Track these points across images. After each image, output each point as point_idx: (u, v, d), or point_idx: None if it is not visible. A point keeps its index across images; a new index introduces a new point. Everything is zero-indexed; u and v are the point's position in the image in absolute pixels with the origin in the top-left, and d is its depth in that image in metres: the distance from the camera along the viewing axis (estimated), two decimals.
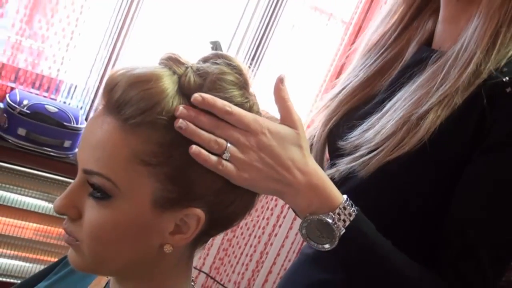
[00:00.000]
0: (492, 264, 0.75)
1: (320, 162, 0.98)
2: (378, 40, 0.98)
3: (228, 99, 0.62)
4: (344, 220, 0.69)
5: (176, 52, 0.65)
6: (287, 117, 0.66)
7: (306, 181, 0.67)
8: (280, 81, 0.65)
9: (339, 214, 0.68)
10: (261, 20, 2.51)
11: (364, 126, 0.85)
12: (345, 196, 0.71)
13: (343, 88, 0.98)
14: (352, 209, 0.70)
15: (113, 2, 2.22)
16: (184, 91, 0.62)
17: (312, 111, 1.05)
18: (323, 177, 0.69)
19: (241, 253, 2.91)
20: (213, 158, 0.60)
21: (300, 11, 2.63)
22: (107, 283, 0.77)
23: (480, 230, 0.75)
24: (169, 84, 0.61)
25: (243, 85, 0.65)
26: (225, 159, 0.61)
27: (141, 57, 2.36)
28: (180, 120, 0.58)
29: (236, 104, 0.63)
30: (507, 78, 0.73)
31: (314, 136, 1.00)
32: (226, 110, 0.60)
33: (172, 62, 0.64)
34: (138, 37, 2.31)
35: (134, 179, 0.61)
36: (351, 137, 0.86)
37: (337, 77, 2.79)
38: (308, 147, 0.68)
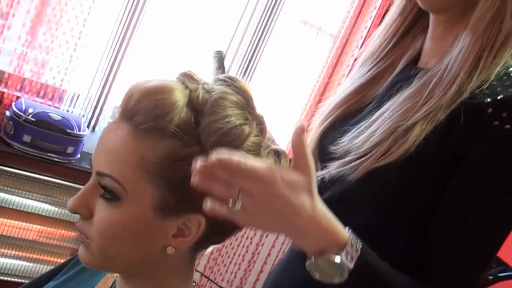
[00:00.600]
0: (474, 269, 0.78)
1: (315, 162, 0.96)
2: (374, 51, 0.99)
3: (228, 118, 0.63)
4: (352, 257, 0.69)
5: (192, 70, 0.67)
6: (302, 164, 0.64)
7: (314, 224, 0.66)
8: (301, 129, 0.63)
9: (347, 251, 0.68)
10: (254, 33, 2.52)
11: (354, 132, 0.87)
12: (349, 232, 0.70)
13: (339, 96, 1.00)
14: (358, 244, 0.70)
15: (114, 16, 2.23)
16: (193, 105, 0.63)
17: (314, 116, 1.06)
18: (330, 218, 0.69)
19: (234, 253, 2.90)
20: (224, 209, 0.60)
21: (291, 25, 2.65)
22: (114, 282, 0.77)
23: (462, 239, 0.77)
24: (180, 97, 0.63)
25: (245, 106, 0.66)
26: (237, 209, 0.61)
27: (141, 67, 2.36)
28: (197, 177, 0.58)
29: (235, 127, 0.63)
30: (489, 99, 0.75)
31: (311, 134, 1.02)
32: (240, 168, 0.58)
33: (186, 78, 0.66)
34: (138, 49, 2.31)
35: (139, 184, 0.62)
36: (341, 142, 0.87)
37: (325, 87, 2.81)
38: (317, 191, 0.67)
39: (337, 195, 0.88)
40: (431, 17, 0.91)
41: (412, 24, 0.96)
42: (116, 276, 0.77)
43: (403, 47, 0.97)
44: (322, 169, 0.92)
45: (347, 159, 0.84)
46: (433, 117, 0.78)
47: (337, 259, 0.67)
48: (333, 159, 0.88)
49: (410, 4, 0.94)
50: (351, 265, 0.68)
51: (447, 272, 0.78)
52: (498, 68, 0.79)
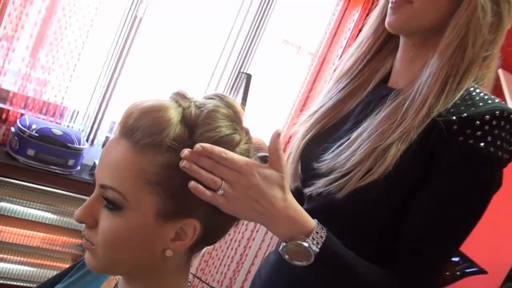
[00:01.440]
0: (435, 263, 0.81)
1: (295, 171, 1.01)
2: (349, 68, 1.00)
3: (219, 128, 0.64)
4: (317, 242, 0.73)
5: (184, 90, 0.68)
6: (276, 162, 0.68)
7: (285, 214, 0.70)
8: (277, 135, 0.68)
9: (313, 238, 0.72)
10: (240, 51, 2.54)
11: (336, 150, 0.88)
12: (315, 221, 0.74)
13: (319, 108, 1.01)
14: (323, 232, 0.74)
15: (110, 40, 2.25)
16: (186, 121, 0.64)
17: (295, 125, 1.06)
18: (299, 209, 0.72)
19: (224, 256, 2.90)
20: (208, 192, 0.64)
21: (273, 44, 2.66)
22: (116, 284, 0.77)
23: (426, 237, 0.80)
24: (174, 114, 0.63)
25: (234, 118, 0.66)
26: (219, 194, 0.65)
27: (135, 86, 2.36)
28: (185, 162, 0.61)
29: (225, 135, 0.65)
30: (454, 117, 0.78)
31: (292, 145, 1.03)
32: (221, 156, 0.63)
33: (179, 97, 0.66)
34: (132, 69, 2.32)
35: (140, 194, 0.63)
36: (325, 160, 0.88)
37: (305, 102, 2.82)
38: (288, 186, 0.71)
39: (321, 208, 0.90)
40: (401, 40, 0.93)
41: (384, 43, 0.97)
42: (119, 278, 0.78)
43: (375, 65, 0.98)
44: (306, 182, 0.94)
45: (332, 177, 0.85)
46: (407, 137, 0.80)
47: (305, 243, 0.72)
48: (318, 175, 0.89)
49: (382, 25, 0.94)
50: (316, 249, 0.72)
51: (409, 264, 0.81)
52: (462, 92, 0.81)
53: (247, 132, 0.69)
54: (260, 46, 2.57)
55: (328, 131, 0.97)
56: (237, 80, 2.57)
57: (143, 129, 0.62)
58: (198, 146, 0.62)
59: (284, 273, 0.98)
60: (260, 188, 0.67)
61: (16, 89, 2.12)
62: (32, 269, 2.15)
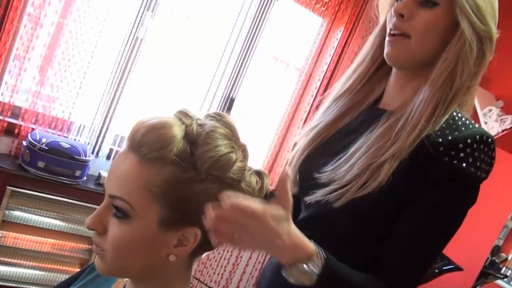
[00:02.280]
0: (422, 268, 0.86)
1: (294, 178, 1.03)
2: (347, 88, 1.02)
3: (218, 147, 0.65)
4: (317, 265, 0.75)
5: (187, 108, 0.69)
6: (284, 200, 0.69)
7: (290, 242, 0.72)
8: (286, 175, 0.69)
9: (313, 261, 0.75)
10: (233, 68, 2.57)
11: (335, 163, 0.91)
12: (315, 245, 0.77)
13: (318, 123, 1.04)
14: (322, 253, 0.76)
15: (113, 59, 2.27)
16: (188, 137, 0.65)
17: (296, 136, 1.09)
18: (300, 236, 0.75)
19: (220, 257, 2.91)
20: (226, 241, 0.68)
21: (263, 61, 2.69)
22: (124, 286, 0.78)
23: (414, 245, 0.85)
24: (178, 131, 0.64)
25: (231, 137, 0.68)
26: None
27: (136, 102, 2.38)
28: (211, 223, 0.63)
29: (224, 154, 0.65)
30: (440, 140, 0.83)
31: (293, 156, 1.05)
32: (245, 211, 0.64)
33: (182, 115, 0.67)
34: (134, 86, 2.34)
35: (145, 204, 0.63)
36: (325, 172, 0.91)
37: (294, 114, 2.87)
38: (291, 218, 0.72)
39: (319, 215, 0.94)
40: (393, 69, 0.97)
41: (380, 66, 0.99)
42: (126, 281, 0.78)
43: (371, 86, 1.01)
44: (306, 190, 0.96)
45: (332, 187, 0.88)
46: (399, 156, 0.84)
47: (306, 267, 0.75)
48: (318, 185, 0.91)
49: (378, 50, 0.98)
50: (317, 271, 0.75)
51: (397, 269, 0.86)
52: (446, 118, 0.86)
53: (243, 149, 0.70)
54: (252, 63, 2.60)
55: (327, 145, 1.00)
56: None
57: (149, 144, 0.63)
58: (226, 202, 0.63)
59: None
60: (272, 229, 0.69)
61: (27, 105, 2.14)
62: (43, 273, 2.16)
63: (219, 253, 2.91)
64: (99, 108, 2.31)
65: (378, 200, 0.85)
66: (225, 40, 2.58)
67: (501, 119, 2.45)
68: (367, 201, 0.85)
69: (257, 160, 2.90)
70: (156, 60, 2.41)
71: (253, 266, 3.06)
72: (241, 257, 2.99)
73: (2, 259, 2.07)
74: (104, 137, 2.35)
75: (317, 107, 2.85)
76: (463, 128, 0.85)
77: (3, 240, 2.04)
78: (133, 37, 2.27)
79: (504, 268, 2.35)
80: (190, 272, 0.74)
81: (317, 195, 0.91)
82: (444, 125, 0.86)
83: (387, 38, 0.92)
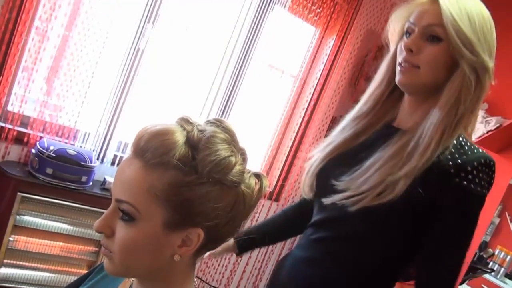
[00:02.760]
0: (449, 272, 0.96)
1: (311, 184, 1.11)
2: (364, 110, 1.11)
3: (218, 151, 0.66)
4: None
5: (188, 115, 0.70)
6: None
7: None
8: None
9: None
10: (231, 76, 2.60)
11: (352, 174, 0.99)
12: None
13: (336, 139, 1.12)
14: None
15: (116, 69, 2.30)
16: (190, 143, 0.66)
17: (314, 150, 1.17)
18: None
19: (221, 258, 2.93)
20: None
21: (260, 69, 2.74)
22: (131, 285, 0.79)
23: (443, 258, 0.95)
24: (180, 137, 0.65)
25: (231, 141, 0.69)
26: None
27: (139, 110, 2.41)
28: None
29: (223, 158, 0.66)
30: (450, 163, 0.93)
31: (310, 166, 1.13)
32: None
33: (183, 121, 0.68)
34: (136, 95, 2.38)
35: (150, 207, 0.64)
36: (342, 180, 1.00)
37: (289, 119, 2.94)
38: None
39: (333, 216, 1.02)
40: (406, 96, 1.06)
41: (393, 90, 1.08)
42: (133, 280, 0.78)
43: (385, 108, 1.09)
44: (322, 195, 1.05)
45: (348, 193, 0.96)
46: (412, 174, 0.93)
47: None
48: (334, 191, 1.00)
49: (392, 75, 1.06)
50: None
51: (435, 274, 0.96)
52: (453, 140, 0.96)
53: (242, 153, 0.70)
54: (249, 71, 2.65)
55: (343, 157, 1.08)
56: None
57: (153, 150, 0.63)
58: None
59: (312, 268, 1.08)
60: None
61: (35, 115, 2.17)
62: (53, 275, 2.18)
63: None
64: (103, 116, 2.34)
65: (390, 210, 0.94)
66: (223, 50, 2.62)
67: (486, 121, 2.53)
68: (380, 209, 0.94)
69: (255, 163, 2.95)
70: (157, 69, 2.44)
71: (253, 265, 3.11)
72: (241, 256, 2.98)
73: (15, 262, 2.09)
74: (108, 143, 2.38)
75: (311, 115, 2.92)
76: (469, 153, 0.95)
77: (15, 244, 2.06)
78: (135, 48, 2.31)
79: (491, 263, 2.41)
80: (194, 271, 0.75)
81: (334, 198, 0.98)
82: (453, 150, 0.95)
83: (398, 68, 1.01)
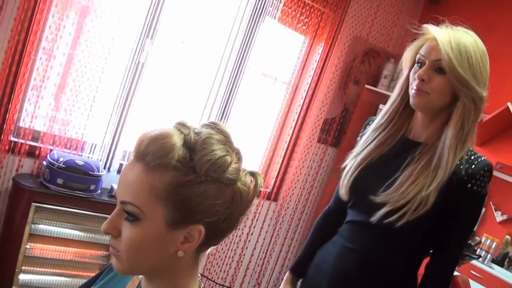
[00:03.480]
0: (457, 254, 1.20)
1: (347, 191, 1.28)
2: (383, 122, 1.28)
3: (214, 152, 0.67)
4: None
5: (184, 119, 0.72)
6: None
7: None
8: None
9: None
10: (227, 85, 2.67)
11: (387, 190, 1.17)
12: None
13: (363, 150, 1.29)
14: None
15: (118, 83, 2.36)
16: (187, 145, 0.67)
17: (346, 160, 1.33)
18: None
19: (225, 256, 3.00)
20: None
21: (254, 78, 2.80)
22: (139, 283, 0.80)
23: (455, 245, 1.19)
24: (177, 140, 0.66)
25: (226, 142, 0.70)
26: None
27: (141, 121, 2.45)
28: None
29: (219, 157, 0.67)
30: (463, 172, 1.14)
31: (346, 173, 1.29)
32: None
33: (180, 125, 0.70)
34: (138, 107, 2.45)
35: (152, 207, 0.66)
36: (381, 195, 1.17)
37: (284, 123, 3.00)
38: None
39: (381, 232, 1.21)
40: (419, 114, 1.24)
41: (406, 106, 1.25)
42: (141, 277, 0.79)
43: (401, 120, 1.27)
44: (359, 205, 1.26)
45: (388, 209, 1.14)
46: (438, 187, 1.13)
47: None
48: (373, 204, 1.18)
49: (405, 94, 1.24)
50: None
51: (449, 251, 1.19)
52: (463, 153, 1.15)
53: (237, 152, 0.72)
54: (244, 79, 2.71)
55: (374, 169, 1.25)
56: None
57: (153, 153, 0.65)
58: None
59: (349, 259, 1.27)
60: None
61: (45, 129, 2.23)
62: (68, 279, 2.23)
63: (223, 252, 2.98)
64: (108, 128, 2.41)
65: (423, 217, 1.14)
66: (218, 61, 2.67)
67: None
68: (418, 218, 1.14)
69: (253, 165, 3.00)
70: (157, 81, 2.49)
71: (256, 262, 3.16)
72: (244, 255, 3.07)
73: (32, 268, 2.13)
74: (114, 153, 2.43)
75: (303, 119, 2.99)
76: (475, 162, 1.16)
77: (31, 252, 2.11)
78: (136, 62, 2.37)
79: (478, 250, 2.50)
80: (198, 266, 0.76)
81: (380, 214, 1.17)
82: (464, 160, 1.16)
83: (412, 91, 1.18)
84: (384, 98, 3.13)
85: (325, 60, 2.95)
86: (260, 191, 2.90)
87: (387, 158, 1.24)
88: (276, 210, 3.15)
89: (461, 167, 1.14)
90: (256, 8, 2.61)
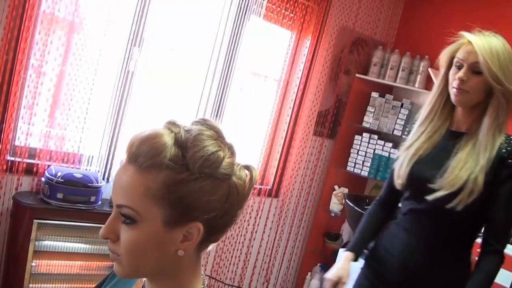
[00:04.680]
0: (506, 236, 1.35)
1: (404, 178, 1.42)
2: (426, 116, 1.44)
3: (206, 147, 0.67)
4: None
5: (174, 118, 0.71)
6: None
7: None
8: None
9: None
10: (217, 87, 2.67)
11: (445, 176, 1.33)
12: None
13: (413, 143, 1.43)
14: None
15: (110, 93, 2.36)
16: (178, 143, 0.67)
17: (398, 150, 1.49)
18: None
19: (232, 256, 3.01)
20: None
21: (244, 77, 2.79)
22: (143, 286, 0.79)
23: (503, 220, 1.34)
24: (168, 139, 0.66)
25: (217, 137, 0.70)
26: None
27: (135, 128, 2.42)
28: None
29: (212, 153, 0.67)
30: (504, 150, 1.32)
31: (400, 164, 1.44)
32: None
33: (170, 124, 0.69)
34: (131, 118, 2.45)
35: (148, 208, 0.65)
36: (438, 182, 1.33)
37: (278, 119, 3.00)
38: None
39: (436, 210, 1.37)
40: (459, 107, 1.40)
41: (446, 101, 1.42)
42: (144, 280, 0.78)
43: (444, 113, 1.42)
44: (417, 191, 1.40)
45: (447, 193, 1.30)
46: (484, 168, 1.30)
47: None
48: (431, 190, 1.33)
49: (445, 90, 1.40)
50: None
51: (498, 235, 1.35)
52: (502, 137, 1.33)
53: (230, 147, 0.71)
54: (235, 79, 2.71)
55: (428, 160, 1.41)
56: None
57: (145, 154, 0.65)
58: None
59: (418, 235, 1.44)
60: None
61: (41, 145, 2.22)
62: None
63: (229, 253, 2.99)
64: (103, 138, 2.40)
65: (477, 199, 1.30)
66: (207, 64, 2.68)
67: None
68: (473, 201, 1.30)
69: (251, 163, 3.00)
70: (148, 88, 2.50)
71: (263, 260, 3.17)
72: (250, 253, 3.08)
73: (40, 285, 2.12)
74: (111, 163, 2.43)
75: (297, 114, 3.00)
76: None
77: (37, 269, 2.10)
78: (125, 71, 2.37)
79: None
80: (200, 264, 0.76)
81: (436, 195, 1.33)
82: (505, 143, 1.34)
83: (454, 90, 1.36)
84: (375, 86, 3.17)
85: (313, 53, 2.97)
86: (261, 188, 2.94)
87: (438, 149, 1.40)
88: (278, 206, 3.16)
89: (503, 150, 1.32)
90: (241, 7, 2.62)
